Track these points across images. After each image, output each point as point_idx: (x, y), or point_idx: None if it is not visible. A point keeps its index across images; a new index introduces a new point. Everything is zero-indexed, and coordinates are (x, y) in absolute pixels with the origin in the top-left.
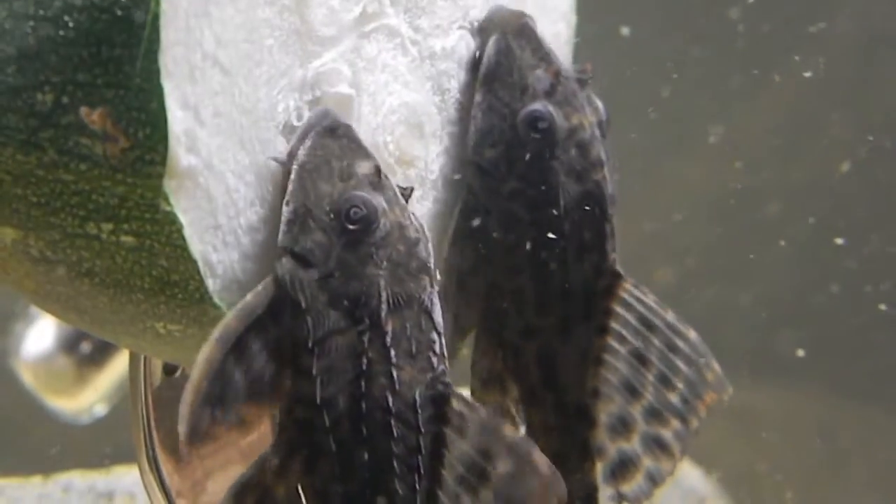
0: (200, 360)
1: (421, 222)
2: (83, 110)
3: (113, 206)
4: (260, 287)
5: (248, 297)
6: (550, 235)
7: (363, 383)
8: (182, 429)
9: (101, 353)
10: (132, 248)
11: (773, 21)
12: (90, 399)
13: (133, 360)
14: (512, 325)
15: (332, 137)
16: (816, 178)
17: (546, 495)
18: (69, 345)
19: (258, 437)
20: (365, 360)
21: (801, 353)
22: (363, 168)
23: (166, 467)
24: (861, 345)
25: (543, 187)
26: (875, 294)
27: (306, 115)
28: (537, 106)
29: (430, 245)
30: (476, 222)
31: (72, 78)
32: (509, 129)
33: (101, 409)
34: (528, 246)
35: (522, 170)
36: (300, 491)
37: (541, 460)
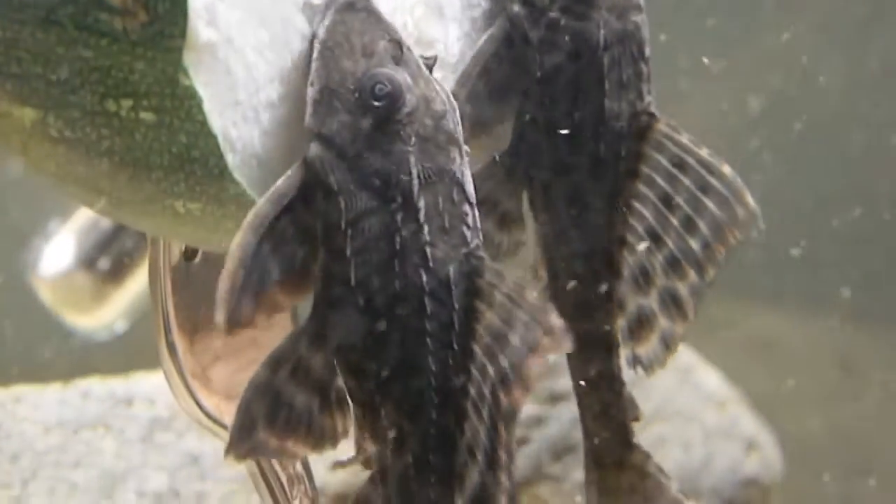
0: (234, 246)
1: (447, 90)
2: None
3: (132, 82)
4: (290, 171)
5: (279, 182)
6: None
7: (396, 263)
8: (220, 317)
9: (120, 270)
10: (151, 125)
11: None
12: (109, 316)
13: (153, 244)
14: (543, 161)
15: (351, 12)
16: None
17: (552, 347)
18: (88, 261)
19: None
20: (398, 239)
21: (823, 283)
22: (384, 43)
23: (180, 347)
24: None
25: (585, 19)
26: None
27: None
28: None
29: (457, 115)
30: (512, 49)
31: None
32: None
33: (120, 326)
34: (567, 76)
35: (565, 1)
36: (335, 364)
37: (556, 322)
